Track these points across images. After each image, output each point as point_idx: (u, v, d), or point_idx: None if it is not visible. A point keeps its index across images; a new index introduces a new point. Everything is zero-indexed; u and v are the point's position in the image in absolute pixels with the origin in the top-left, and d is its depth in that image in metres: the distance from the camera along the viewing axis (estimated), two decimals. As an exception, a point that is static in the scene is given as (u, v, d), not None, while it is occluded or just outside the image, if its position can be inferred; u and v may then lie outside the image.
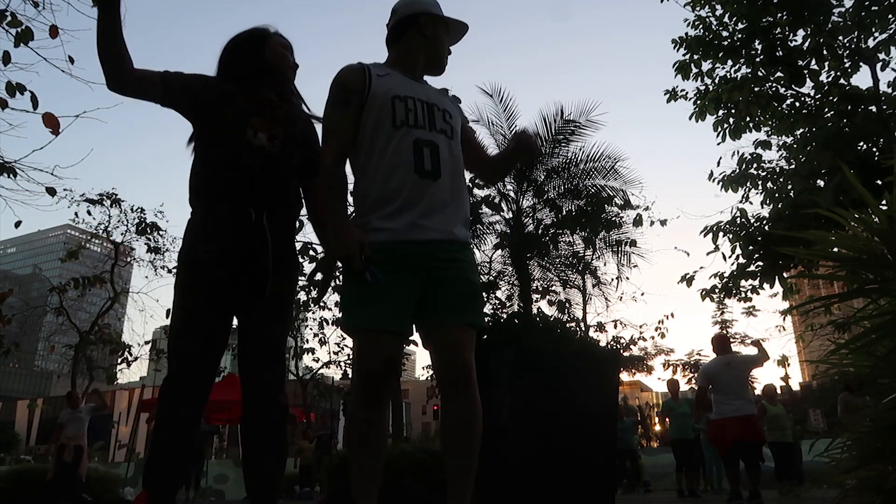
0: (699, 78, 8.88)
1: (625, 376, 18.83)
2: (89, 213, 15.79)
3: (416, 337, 2.08)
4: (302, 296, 14.64)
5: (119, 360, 16.62)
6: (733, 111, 8.58)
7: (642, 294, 23.86)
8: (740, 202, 8.86)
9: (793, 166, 8.37)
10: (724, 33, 8.55)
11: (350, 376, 16.92)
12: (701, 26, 8.68)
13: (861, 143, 7.43)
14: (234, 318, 2.12)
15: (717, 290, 8.99)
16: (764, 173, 8.73)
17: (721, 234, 8.28)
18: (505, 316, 6.91)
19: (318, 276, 2.34)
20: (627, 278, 13.61)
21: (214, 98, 2.11)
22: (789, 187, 8.01)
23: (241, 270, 2.03)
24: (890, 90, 7.90)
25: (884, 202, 1.95)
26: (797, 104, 8.48)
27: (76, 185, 41.25)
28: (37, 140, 4.77)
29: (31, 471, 9.89)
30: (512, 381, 4.18)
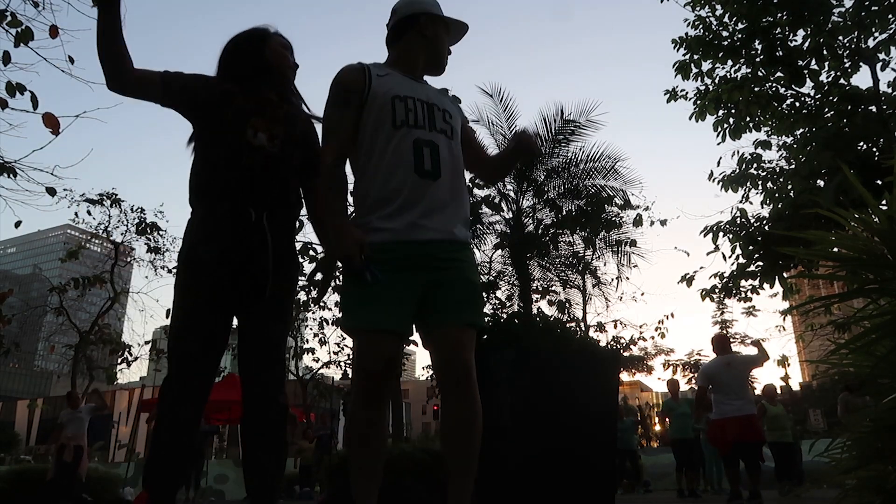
0: (699, 78, 8.89)
1: (625, 376, 18.84)
2: (89, 213, 15.80)
3: (416, 337, 2.08)
4: (302, 296, 14.64)
5: (119, 360, 16.63)
6: (733, 111, 8.59)
7: (642, 294, 23.89)
8: (740, 202, 8.88)
9: (793, 166, 8.37)
10: (724, 33, 8.55)
11: (350, 376, 16.92)
12: (701, 26, 8.68)
13: (861, 143, 7.43)
14: (235, 318, 2.12)
15: (717, 290, 8.99)
16: (764, 173, 8.73)
17: (721, 234, 8.28)
18: (505, 316, 6.90)
19: (319, 276, 2.34)
20: (627, 278, 13.62)
21: (214, 98, 2.11)
22: (789, 187, 8.01)
23: (241, 270, 2.03)
24: (890, 90, 7.91)
25: (884, 202, 1.95)
26: (797, 104, 8.48)
27: (76, 185, 41.27)
28: (37, 140, 4.78)
29: (31, 471, 9.90)
30: (512, 381, 4.18)
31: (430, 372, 13.68)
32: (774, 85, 8.48)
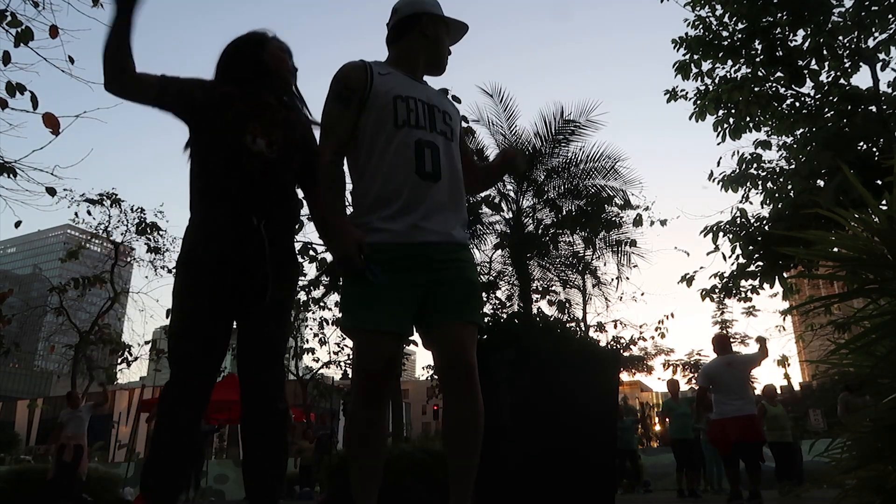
0: (699, 78, 8.89)
1: (625, 376, 18.82)
2: (89, 213, 15.79)
3: (416, 337, 2.08)
4: (302, 296, 14.64)
5: (119, 360, 16.62)
6: (733, 111, 8.59)
7: (642, 294, 23.82)
8: (740, 202, 8.88)
9: (793, 166, 8.37)
10: (724, 33, 8.55)
11: (350, 376, 16.89)
12: (701, 26, 8.68)
13: (861, 143, 7.43)
14: (234, 321, 2.11)
15: (717, 290, 8.99)
16: (764, 173, 8.73)
17: (721, 234, 8.28)
18: (505, 316, 6.90)
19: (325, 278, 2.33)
20: (627, 278, 13.61)
21: (212, 102, 2.10)
22: (789, 187, 8.01)
23: (240, 274, 2.02)
24: (890, 90, 7.91)
25: (884, 202, 1.95)
26: (797, 104, 8.48)
27: (76, 185, 41.23)
28: (37, 140, 4.78)
29: (31, 471, 9.89)
30: (512, 381, 4.18)
31: (430, 372, 13.68)
32: (774, 85, 8.48)
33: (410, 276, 1.88)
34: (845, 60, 8.13)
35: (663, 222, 10.98)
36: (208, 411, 10.51)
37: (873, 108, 7.64)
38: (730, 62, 8.63)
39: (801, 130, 8.44)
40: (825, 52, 8.00)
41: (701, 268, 9.14)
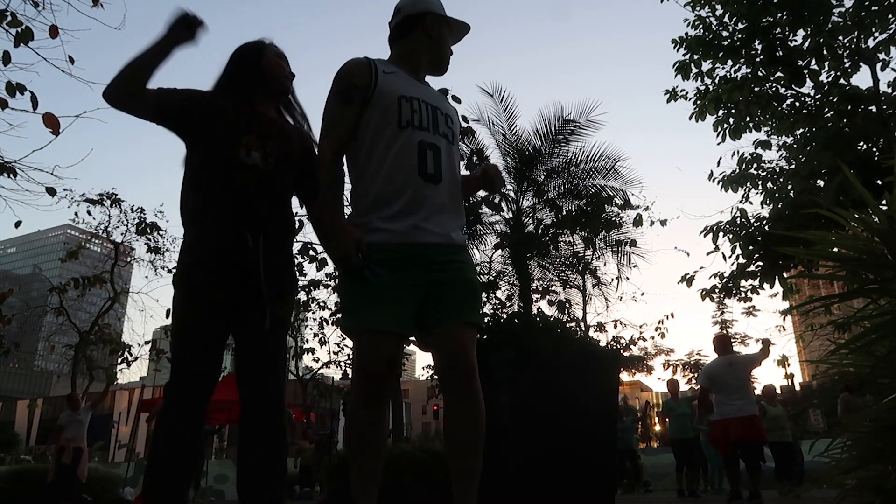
0: (699, 78, 8.88)
1: (625, 376, 18.82)
2: (89, 213, 15.79)
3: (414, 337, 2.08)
4: (302, 296, 14.64)
5: (119, 360, 16.61)
6: (733, 111, 8.58)
7: (642, 294, 23.87)
8: (740, 202, 8.87)
9: (793, 166, 8.37)
10: (724, 33, 8.55)
11: (350, 376, 16.91)
12: (701, 26, 8.68)
13: (861, 143, 7.43)
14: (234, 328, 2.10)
15: (717, 290, 8.98)
16: (764, 173, 8.73)
17: (721, 234, 8.28)
18: (505, 316, 6.91)
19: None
20: (627, 278, 13.63)
21: (207, 115, 2.08)
22: (789, 187, 8.00)
23: (237, 286, 2.01)
24: (890, 90, 7.90)
25: (884, 202, 1.95)
26: (797, 104, 8.48)
27: (76, 185, 41.29)
28: (37, 140, 4.77)
29: (31, 471, 9.90)
30: (512, 381, 4.18)
31: (430, 372, 13.68)
32: (774, 85, 8.48)
33: (410, 276, 1.88)
34: (845, 60, 8.13)
35: (663, 222, 11.00)
36: (208, 411, 10.51)
37: (873, 108, 7.64)
38: (730, 62, 8.63)
39: (801, 130, 8.44)
40: (825, 52, 8.00)
41: (701, 268, 9.14)
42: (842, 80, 8.19)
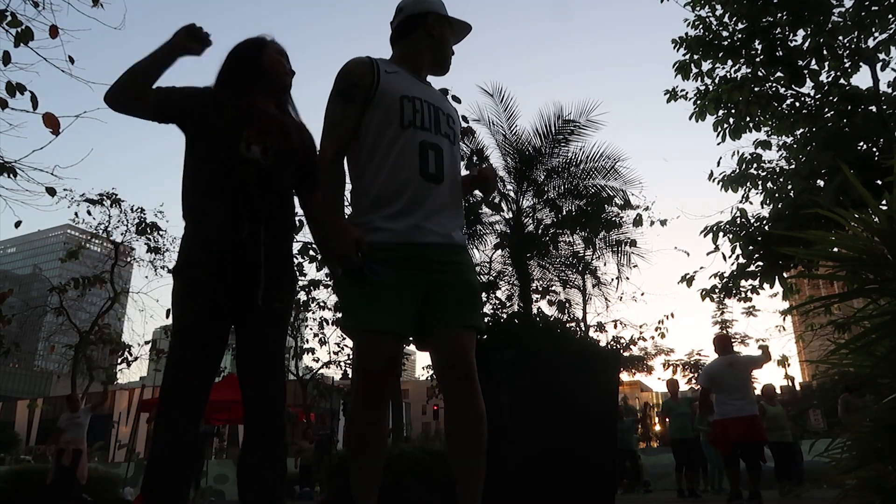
0: (699, 78, 8.89)
1: (625, 376, 18.82)
2: (89, 213, 15.79)
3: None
4: (302, 296, 14.64)
5: (119, 360, 16.62)
6: (733, 111, 8.59)
7: (642, 294, 23.85)
8: (740, 202, 8.88)
9: (793, 166, 8.37)
10: (724, 33, 8.55)
11: (350, 376, 16.90)
12: (701, 26, 8.68)
13: (861, 143, 7.43)
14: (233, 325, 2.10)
15: (717, 290, 8.98)
16: (764, 173, 8.73)
17: (721, 234, 8.28)
18: (505, 316, 6.91)
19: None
20: (627, 278, 13.63)
21: (206, 111, 2.09)
22: (789, 187, 8.00)
23: (237, 282, 2.01)
24: (890, 90, 7.91)
25: (884, 202, 1.95)
26: (797, 104, 8.48)
27: (76, 185, 41.31)
28: (37, 140, 4.77)
29: (31, 471, 9.90)
30: (512, 381, 4.18)
31: (430, 372, 13.67)
32: (774, 85, 8.48)
33: (410, 275, 1.88)
34: (845, 60, 8.13)
35: (663, 222, 11.01)
36: (208, 411, 10.52)
37: (873, 108, 7.64)
38: (730, 62, 8.64)
39: (801, 130, 8.44)
40: (825, 52, 8.00)
41: (701, 268, 9.14)
42: (842, 80, 8.19)
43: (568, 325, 7.40)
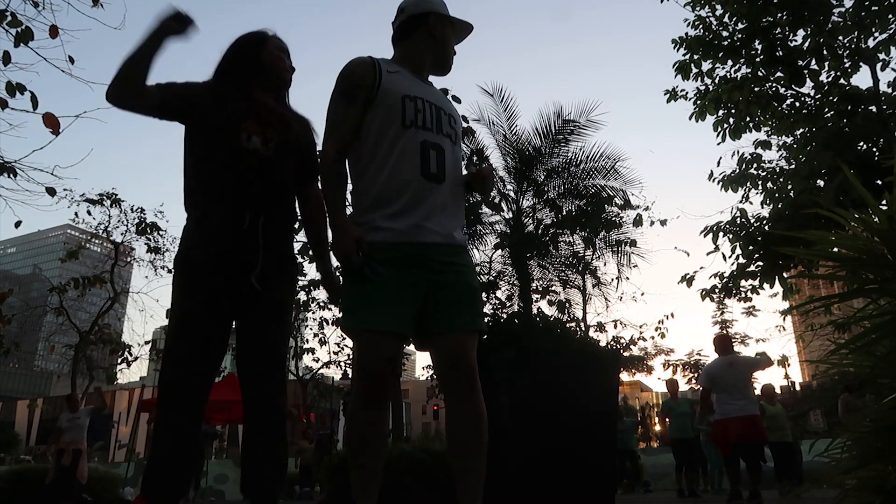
0: (699, 78, 8.89)
1: (625, 376, 18.83)
2: (89, 213, 15.82)
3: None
4: (302, 296, 14.65)
5: (119, 360, 16.63)
6: (733, 111, 8.59)
7: (642, 294, 23.88)
8: (740, 202, 8.88)
9: (793, 166, 8.37)
10: (724, 33, 8.55)
11: (350, 376, 16.91)
12: (701, 26, 8.68)
13: (861, 143, 7.43)
14: (234, 322, 2.11)
15: (717, 290, 8.98)
16: (764, 173, 8.73)
17: (721, 234, 8.28)
18: (505, 316, 6.91)
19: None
20: (627, 278, 13.64)
21: (207, 103, 2.10)
22: (789, 187, 8.01)
23: (237, 274, 2.02)
24: (890, 90, 7.91)
25: (884, 202, 1.95)
26: (797, 104, 8.48)
27: (76, 185, 41.27)
28: (37, 140, 4.77)
29: (31, 471, 9.91)
30: (512, 381, 4.18)
31: (430, 372, 13.68)
32: (774, 85, 8.48)
33: (411, 275, 1.88)
34: (845, 60, 8.13)
35: (663, 222, 11.02)
36: (208, 412, 10.52)
37: (873, 108, 7.64)
38: (730, 62, 8.64)
39: (801, 130, 8.44)
40: (825, 52, 8.00)
41: (701, 268, 9.14)
42: (842, 80, 8.19)
43: (568, 325, 7.41)
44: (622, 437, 9.97)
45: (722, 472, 9.93)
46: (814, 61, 8.11)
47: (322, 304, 15.66)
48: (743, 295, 9.09)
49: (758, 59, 8.30)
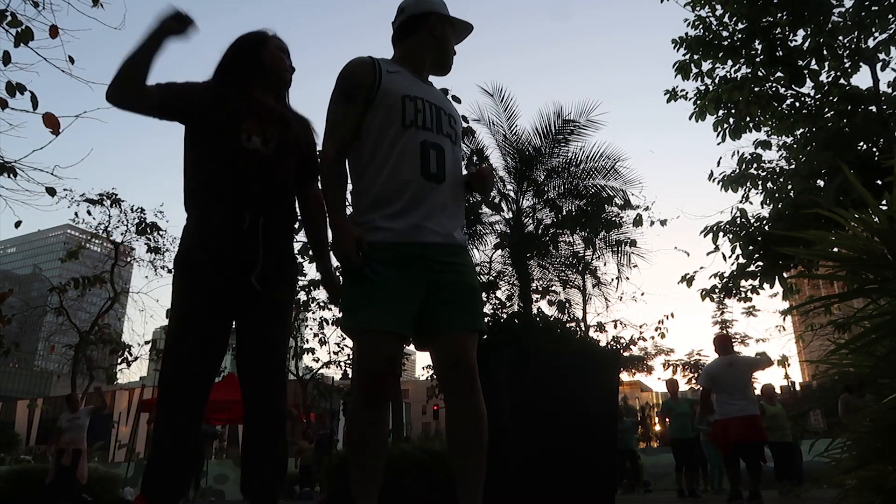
0: (699, 78, 8.89)
1: (625, 376, 18.82)
2: (89, 213, 15.82)
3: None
4: (302, 296, 14.66)
5: (119, 360, 16.63)
6: (733, 111, 8.59)
7: (642, 294, 23.91)
8: (740, 202, 8.88)
9: (793, 166, 8.37)
10: (724, 33, 8.56)
11: (350, 376, 16.92)
12: (701, 26, 8.68)
13: (861, 143, 7.43)
14: (234, 321, 2.11)
15: (717, 290, 8.98)
16: (764, 173, 8.73)
17: (721, 234, 8.28)
18: (505, 316, 6.91)
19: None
20: (627, 278, 13.65)
21: (208, 103, 2.10)
22: (789, 187, 8.01)
23: (237, 273, 2.02)
24: (890, 90, 7.91)
25: (884, 202, 1.95)
26: (797, 104, 8.48)
27: (76, 185, 41.30)
28: (37, 140, 4.76)
29: (31, 471, 9.91)
30: (512, 381, 4.18)
31: (430, 372, 13.68)
32: (774, 85, 8.48)
33: (411, 275, 1.88)
34: (845, 60, 8.13)
35: (663, 222, 11.03)
36: (208, 412, 10.52)
37: (873, 108, 7.64)
38: (730, 62, 8.64)
39: (801, 130, 8.44)
40: (825, 52, 8.00)
41: (701, 268, 9.14)
42: (842, 80, 8.19)
43: (568, 325, 7.41)
44: (622, 437, 9.97)
45: (722, 472, 9.93)
46: (814, 61, 8.11)
47: (322, 304, 15.67)
48: (743, 295, 9.09)
49: (758, 59, 8.30)
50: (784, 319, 20.60)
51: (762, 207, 8.54)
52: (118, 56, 1.98)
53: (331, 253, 1.97)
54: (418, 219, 1.90)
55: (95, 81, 4.38)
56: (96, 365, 17.52)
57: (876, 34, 7.77)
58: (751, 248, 8.08)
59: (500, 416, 3.91)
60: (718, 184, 8.86)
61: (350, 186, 2.06)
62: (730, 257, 8.36)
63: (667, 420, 9.70)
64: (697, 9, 8.71)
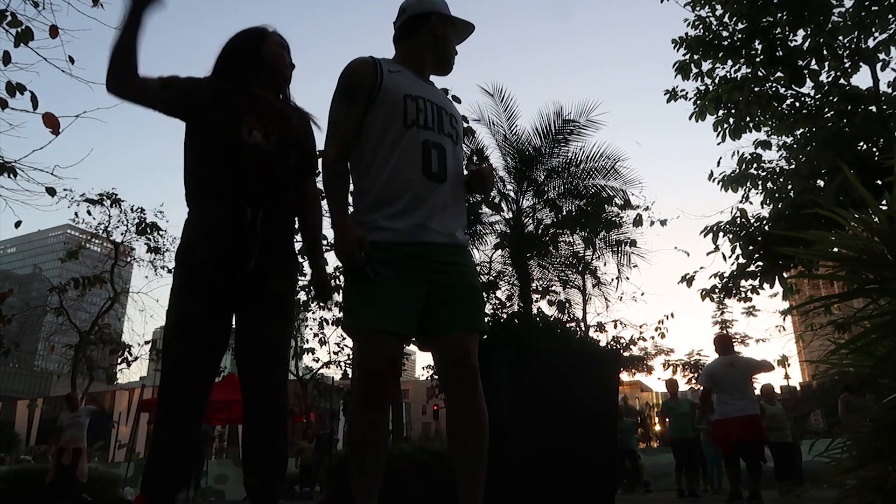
0: (699, 78, 8.89)
1: (625, 376, 18.81)
2: (89, 213, 15.83)
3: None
4: (302, 296, 14.65)
5: (119, 360, 16.64)
6: (733, 111, 8.59)
7: (642, 294, 23.90)
8: (740, 202, 8.88)
9: (793, 166, 8.37)
10: (724, 33, 8.56)
11: (350, 376, 16.93)
12: (701, 26, 8.68)
13: (861, 143, 7.43)
14: (234, 319, 2.10)
15: (717, 290, 8.98)
16: (764, 173, 8.73)
17: (721, 234, 8.28)
18: (505, 316, 6.91)
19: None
20: (627, 278, 13.65)
21: (209, 99, 2.10)
22: (789, 187, 8.01)
23: (237, 271, 2.02)
24: (890, 90, 7.91)
25: (884, 202, 1.95)
26: (797, 104, 8.48)
27: (76, 185, 41.27)
28: (37, 140, 4.77)
29: (31, 471, 9.90)
30: (512, 381, 4.18)
31: (430, 372, 13.69)
32: (774, 85, 8.48)
33: (412, 275, 1.88)
34: (845, 60, 8.13)
35: (663, 222, 11.02)
36: (208, 412, 10.51)
37: (873, 108, 7.64)
38: (730, 62, 8.64)
39: (801, 130, 8.44)
40: (825, 52, 8.00)
41: (701, 268, 9.14)
42: (842, 80, 8.19)
43: (568, 325, 7.40)
44: (622, 437, 9.98)
45: (722, 472, 9.93)
46: (814, 61, 8.11)
47: (322, 304, 15.66)
48: (743, 295, 9.09)
49: (758, 59, 8.30)
50: (784, 319, 20.61)
51: (762, 207, 8.55)
52: (118, 56, 1.98)
53: (330, 253, 1.98)
54: (420, 219, 1.90)
55: (95, 81, 4.37)
56: (96, 365, 17.52)
57: (876, 34, 7.77)
58: (751, 248, 8.08)
59: (500, 416, 3.90)
60: (718, 184, 8.86)
61: (351, 186, 2.06)
62: (730, 257, 8.37)
63: (667, 420, 9.70)
64: (697, 9, 8.71)
